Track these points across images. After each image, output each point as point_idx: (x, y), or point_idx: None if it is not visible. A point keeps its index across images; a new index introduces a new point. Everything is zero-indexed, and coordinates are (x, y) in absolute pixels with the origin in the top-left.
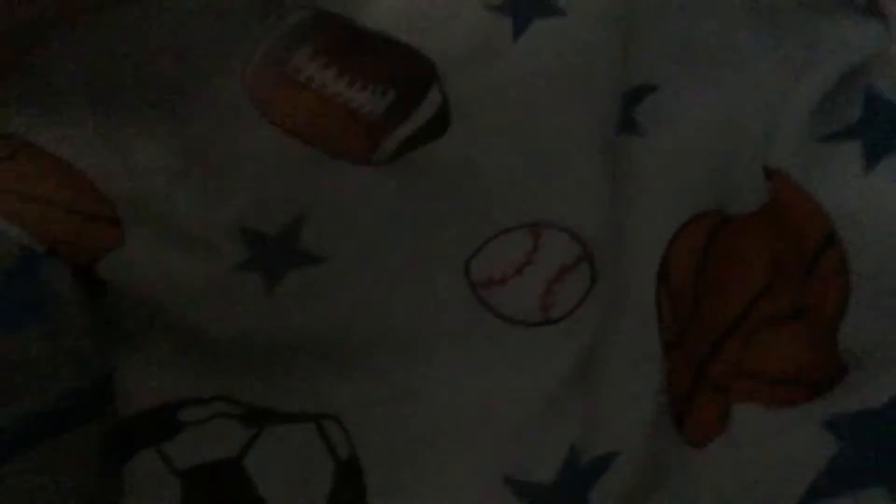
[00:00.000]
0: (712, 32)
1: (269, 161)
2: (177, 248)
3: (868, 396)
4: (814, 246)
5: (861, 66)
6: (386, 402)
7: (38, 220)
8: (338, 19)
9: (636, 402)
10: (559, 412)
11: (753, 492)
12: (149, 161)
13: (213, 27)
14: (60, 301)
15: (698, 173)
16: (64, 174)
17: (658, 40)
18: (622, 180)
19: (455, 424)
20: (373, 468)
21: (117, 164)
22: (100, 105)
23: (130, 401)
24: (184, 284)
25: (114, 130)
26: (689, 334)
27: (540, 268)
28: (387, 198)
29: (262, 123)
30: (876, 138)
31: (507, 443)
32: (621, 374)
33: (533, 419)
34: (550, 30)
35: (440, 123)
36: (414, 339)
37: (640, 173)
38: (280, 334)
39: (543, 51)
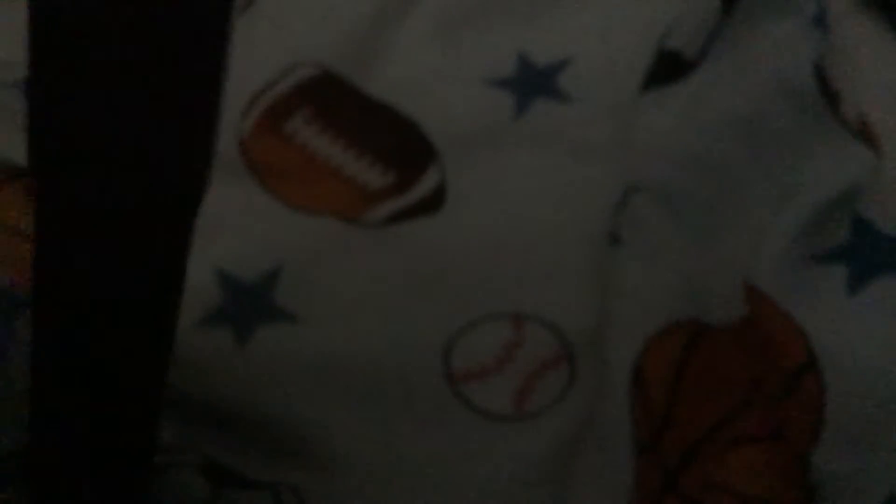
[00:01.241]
0: (717, 148)
1: (251, 210)
2: None
3: None
4: (793, 368)
5: (850, 190)
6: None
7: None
8: (344, 85)
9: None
10: None
11: None
12: None
13: None
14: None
15: (677, 282)
16: None
17: (662, 144)
18: (604, 282)
19: None
20: None
21: None
22: None
23: None
24: None
25: None
26: (663, 441)
27: (520, 364)
28: (370, 262)
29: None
30: (862, 264)
31: None
32: (591, 475)
33: None
34: (551, 115)
35: (434, 202)
36: (384, 420)
37: (616, 282)
38: (247, 393)
39: (542, 138)
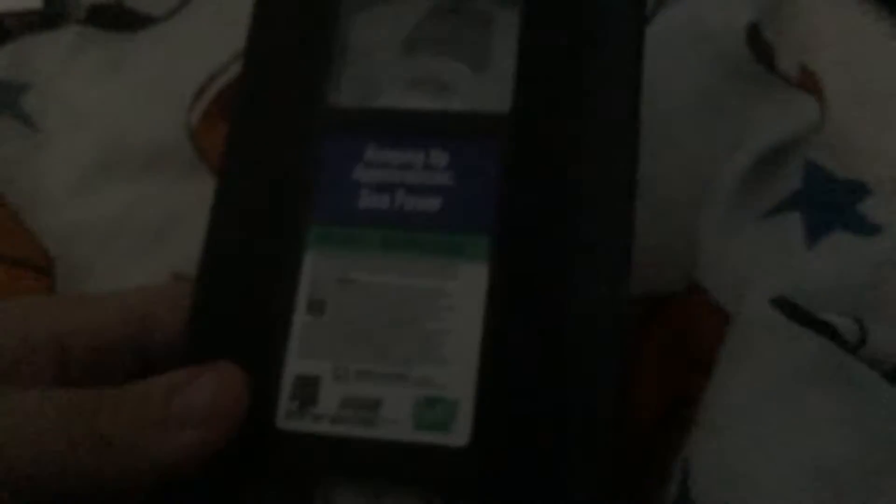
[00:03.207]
0: (662, 113)
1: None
2: None
3: None
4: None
5: (795, 138)
6: None
7: None
8: None
9: None
10: None
11: None
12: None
13: None
14: None
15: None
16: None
17: None
18: None
19: None
20: None
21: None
22: None
23: None
24: None
25: None
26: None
27: None
28: None
29: (200, 166)
30: (817, 212)
31: None
32: None
33: None
34: None
35: None
36: None
37: None
38: None
39: None
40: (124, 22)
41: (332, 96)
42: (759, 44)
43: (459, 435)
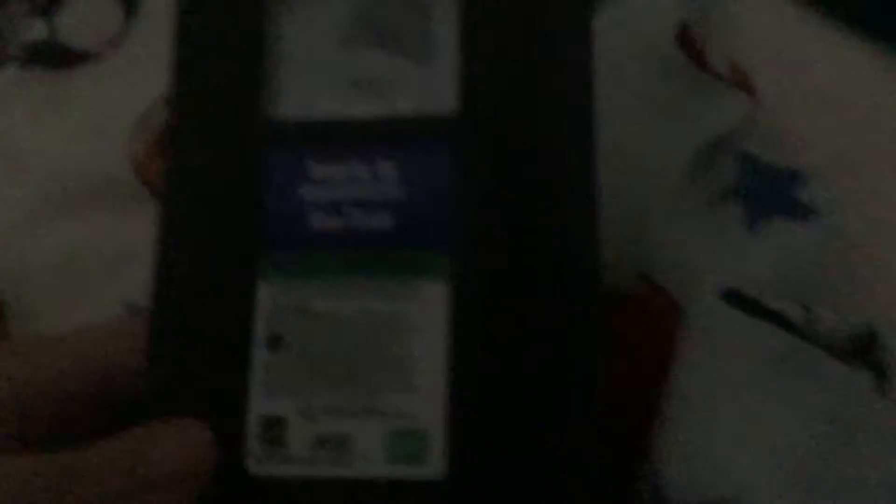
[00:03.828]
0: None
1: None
2: None
3: None
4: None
5: (729, 132)
6: None
7: None
8: None
9: None
10: None
11: None
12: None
13: None
14: None
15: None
16: None
17: None
18: None
19: None
20: None
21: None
22: None
23: None
24: None
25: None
26: None
27: None
28: None
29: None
30: (755, 199)
31: None
32: None
33: None
34: None
35: None
36: None
37: None
38: None
39: None
40: (60, 59)
41: (270, 107)
42: (688, 43)
43: (434, 467)
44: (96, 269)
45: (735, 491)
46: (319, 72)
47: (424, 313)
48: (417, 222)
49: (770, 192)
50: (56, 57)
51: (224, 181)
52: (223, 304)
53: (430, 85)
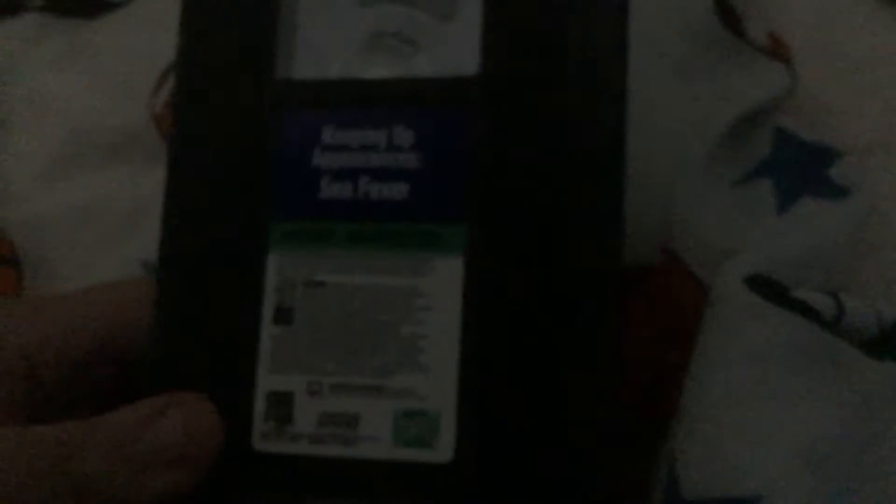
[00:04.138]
0: (637, 83)
1: None
2: None
3: None
4: None
5: (765, 105)
6: None
7: None
8: None
9: None
10: None
11: None
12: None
13: None
14: None
15: None
16: None
17: None
18: None
19: None
20: None
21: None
22: None
23: None
24: None
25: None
26: None
27: None
28: None
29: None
30: (787, 176)
31: None
32: None
33: None
34: None
35: None
36: None
37: None
38: None
39: None
40: (83, 8)
41: (283, 66)
42: (727, 12)
43: (443, 451)
44: (114, 225)
45: (755, 490)
46: (336, 29)
47: (439, 289)
48: (434, 194)
49: (802, 170)
50: (78, 6)
51: (234, 145)
52: (231, 274)
53: (452, 44)
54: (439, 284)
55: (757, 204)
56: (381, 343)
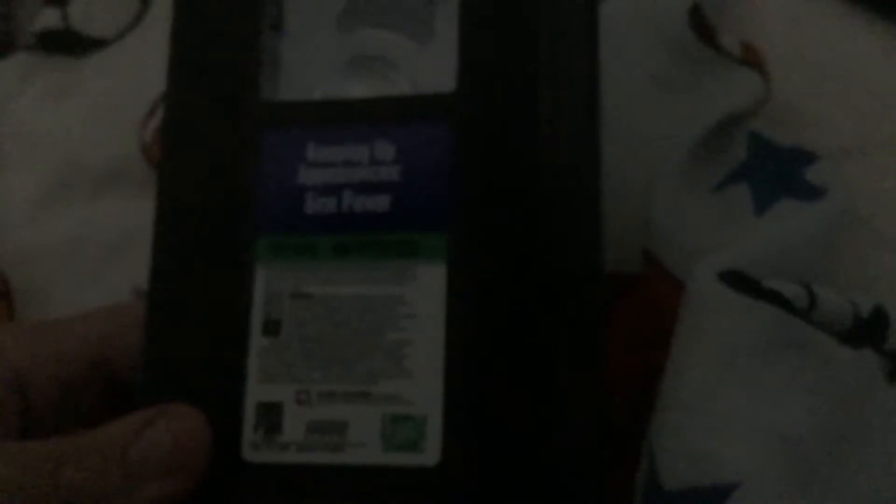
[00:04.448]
0: (615, 96)
1: None
2: None
3: None
4: None
5: (742, 112)
6: None
7: None
8: None
9: None
10: None
11: None
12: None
13: None
14: None
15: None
16: None
17: None
18: None
19: None
20: None
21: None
22: None
23: None
24: None
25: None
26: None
27: None
28: None
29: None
30: (763, 181)
31: None
32: None
33: None
34: None
35: None
36: None
37: None
38: None
39: None
40: (73, 46)
41: (268, 89)
42: (700, 23)
43: (430, 454)
44: (105, 254)
45: (732, 478)
46: (318, 53)
47: (422, 297)
48: (415, 204)
49: (778, 173)
50: (68, 44)
51: (221, 163)
52: (220, 289)
53: (429, 65)
54: (422, 292)
55: (735, 208)
56: (366, 350)
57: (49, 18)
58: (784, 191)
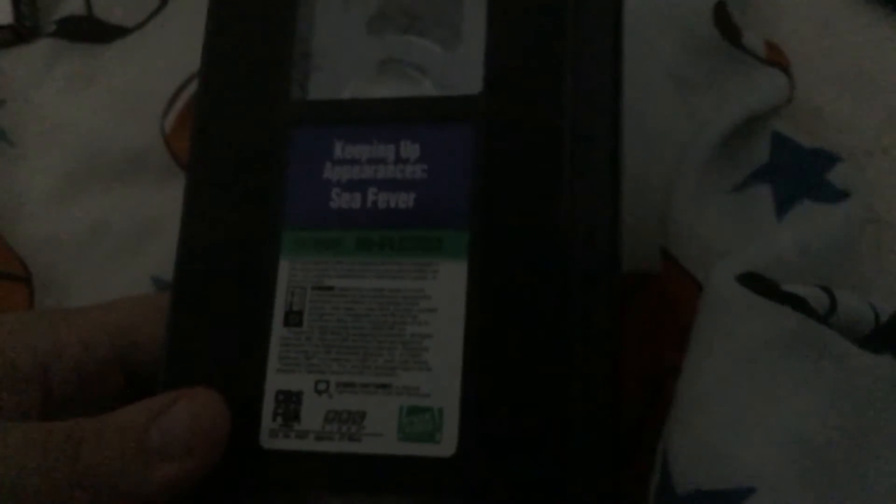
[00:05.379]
0: (635, 94)
1: None
2: None
3: None
4: None
5: (762, 111)
6: None
7: None
8: None
9: None
10: None
11: None
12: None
13: None
14: None
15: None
16: None
17: None
18: None
19: None
20: None
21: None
22: None
23: None
24: None
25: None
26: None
27: None
28: None
29: (175, 171)
30: (785, 182)
31: None
32: None
33: None
34: None
35: None
36: None
37: None
38: None
39: None
40: (95, 33)
41: (298, 89)
42: (724, 21)
43: (446, 445)
44: (124, 243)
45: (748, 482)
46: (348, 55)
47: (443, 292)
48: (438, 202)
49: (801, 174)
50: (91, 31)
51: (250, 158)
52: (244, 279)
53: (456, 68)
54: (444, 287)
55: (756, 209)
56: (386, 343)
57: (72, 6)
58: (806, 193)
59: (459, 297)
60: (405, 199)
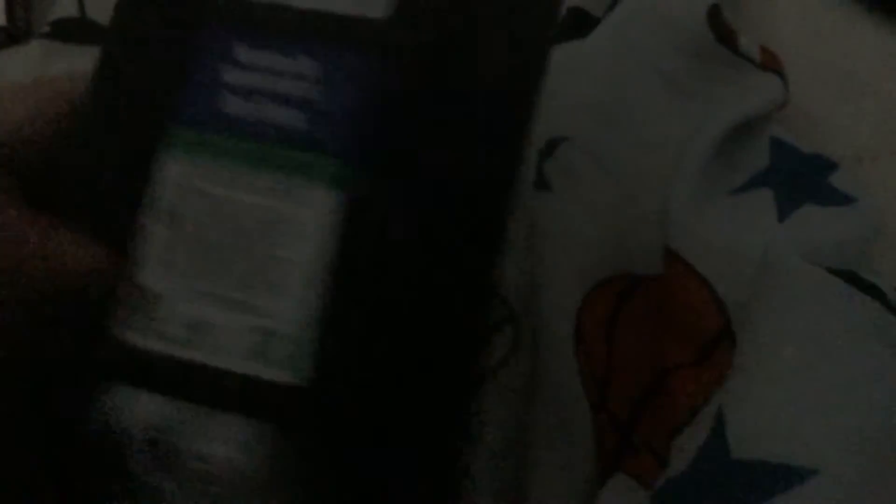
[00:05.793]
0: (627, 97)
1: None
2: None
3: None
4: (710, 337)
5: (761, 116)
6: None
7: None
8: None
9: (566, 472)
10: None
11: None
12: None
13: None
14: None
15: (604, 231)
16: None
17: (574, 99)
18: (539, 240)
19: None
20: None
21: None
22: None
23: None
24: None
25: None
26: (610, 398)
27: None
28: None
29: None
30: (785, 186)
31: None
32: (547, 438)
33: None
34: None
35: None
36: None
37: (550, 232)
38: None
39: None
40: (88, 35)
41: None
42: (720, 26)
43: (299, 373)
44: None
45: (811, 463)
46: None
47: (315, 219)
48: (328, 126)
49: (802, 179)
50: (84, 32)
51: (156, 53)
52: (126, 170)
53: None
54: (316, 215)
55: (757, 211)
56: (254, 261)
57: (65, 7)
58: (808, 197)
59: (331, 227)
60: (296, 118)
